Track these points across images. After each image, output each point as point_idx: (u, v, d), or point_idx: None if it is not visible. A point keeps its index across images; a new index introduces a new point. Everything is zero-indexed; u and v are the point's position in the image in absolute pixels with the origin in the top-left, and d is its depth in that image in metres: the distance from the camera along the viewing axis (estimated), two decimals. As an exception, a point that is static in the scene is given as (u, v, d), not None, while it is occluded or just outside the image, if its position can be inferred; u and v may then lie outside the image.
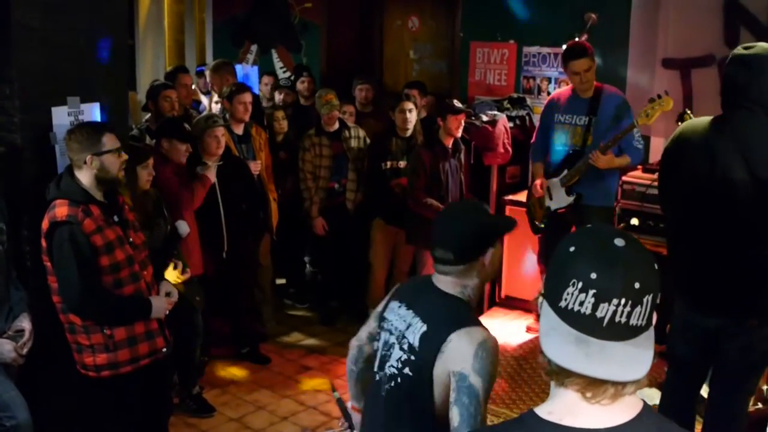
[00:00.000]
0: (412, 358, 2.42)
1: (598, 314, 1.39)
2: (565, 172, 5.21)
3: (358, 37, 8.62)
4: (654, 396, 4.89)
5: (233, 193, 5.39)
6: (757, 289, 3.32)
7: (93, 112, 4.04)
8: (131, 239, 3.67)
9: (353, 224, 6.22)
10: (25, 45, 3.77)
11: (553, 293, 1.45)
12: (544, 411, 1.48)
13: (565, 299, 1.42)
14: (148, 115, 6.23)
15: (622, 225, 5.53)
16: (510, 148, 6.38)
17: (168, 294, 3.88)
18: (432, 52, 8.13)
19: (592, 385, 1.42)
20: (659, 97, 4.77)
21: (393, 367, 2.50)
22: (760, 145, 3.24)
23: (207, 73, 6.96)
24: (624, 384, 1.42)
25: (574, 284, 1.41)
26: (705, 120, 3.44)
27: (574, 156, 5.19)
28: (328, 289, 6.71)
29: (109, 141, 3.56)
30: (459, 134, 5.66)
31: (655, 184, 5.20)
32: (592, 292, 1.39)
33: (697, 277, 3.44)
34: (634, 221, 5.45)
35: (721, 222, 3.30)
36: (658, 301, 1.45)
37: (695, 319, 3.53)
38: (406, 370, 2.44)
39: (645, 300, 1.41)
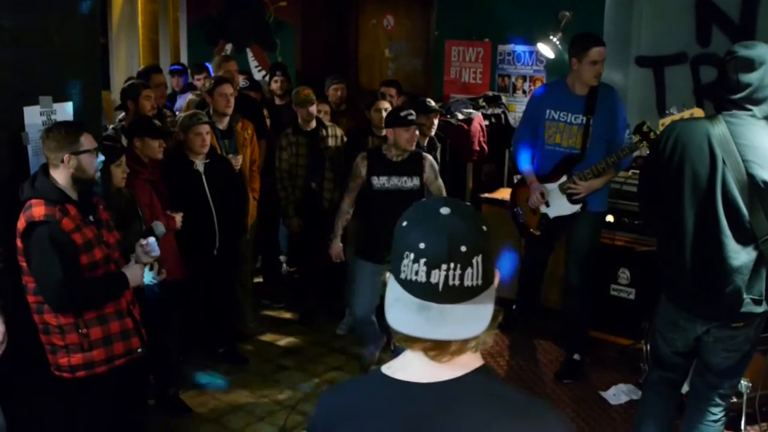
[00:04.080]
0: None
1: (432, 281, 1.48)
2: (564, 178, 4.96)
3: (333, 36, 8.62)
4: (631, 392, 4.94)
5: (222, 191, 5.37)
6: (746, 292, 3.35)
7: (65, 112, 4.00)
8: (105, 239, 3.65)
9: (330, 223, 6.21)
10: (-4, 44, 3.73)
11: (395, 267, 1.54)
12: (386, 367, 1.61)
13: (404, 271, 1.50)
14: (122, 114, 6.18)
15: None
16: (486, 146, 6.40)
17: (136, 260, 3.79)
18: (407, 51, 8.14)
19: (437, 346, 1.51)
20: (684, 106, 4.31)
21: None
22: (759, 147, 3.25)
23: (221, 64, 6.84)
24: (465, 341, 1.51)
25: (407, 256, 1.50)
26: (701, 121, 3.41)
27: (572, 159, 4.95)
28: (305, 288, 6.71)
29: (87, 141, 3.54)
30: (432, 133, 5.66)
31: (631, 181, 5.27)
32: (423, 261, 1.48)
33: (690, 280, 3.42)
34: (610, 218, 5.48)
35: (719, 224, 3.29)
36: (492, 259, 1.53)
37: (682, 321, 3.54)
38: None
39: (475, 261, 1.48)
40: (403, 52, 8.20)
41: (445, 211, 1.51)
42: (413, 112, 4.96)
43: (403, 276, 1.51)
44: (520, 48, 7.02)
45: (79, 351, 3.54)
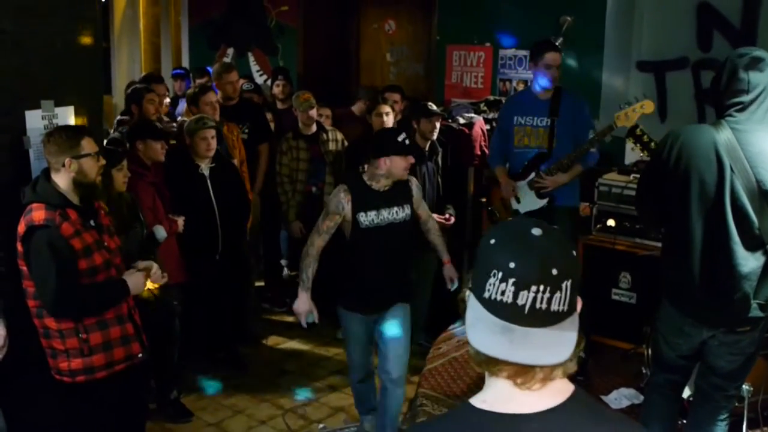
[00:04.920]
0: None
1: (519, 302, 1.43)
2: (533, 175, 5.20)
3: (334, 40, 8.62)
4: (633, 396, 4.93)
5: (226, 195, 5.38)
6: (753, 297, 3.35)
7: (67, 116, 4.01)
8: (106, 244, 3.65)
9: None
10: (-2, 48, 3.73)
11: (477, 285, 1.49)
12: (478, 400, 1.52)
13: (488, 290, 1.45)
14: (118, 117, 6.23)
15: (598, 226, 5.56)
16: (487, 151, 6.39)
17: (142, 268, 3.78)
18: (408, 55, 8.15)
19: (521, 372, 1.47)
20: (636, 99, 4.76)
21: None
22: (763, 151, 3.23)
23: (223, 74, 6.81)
24: (552, 368, 1.47)
25: (494, 275, 1.44)
26: (706, 128, 3.37)
27: (540, 158, 5.18)
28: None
29: (88, 145, 3.54)
30: (434, 137, 5.66)
31: (632, 185, 5.26)
32: (511, 281, 1.43)
33: (698, 288, 3.40)
34: (611, 222, 5.48)
35: (728, 232, 3.27)
36: (578, 285, 1.48)
37: (687, 327, 3.52)
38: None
39: (564, 286, 1.44)
40: (404, 57, 8.20)
41: (536, 231, 1.47)
42: (405, 134, 4.34)
43: (486, 295, 1.46)
44: (521, 52, 7.02)
45: (79, 356, 3.53)
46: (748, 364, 3.60)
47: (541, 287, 1.42)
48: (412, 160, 4.28)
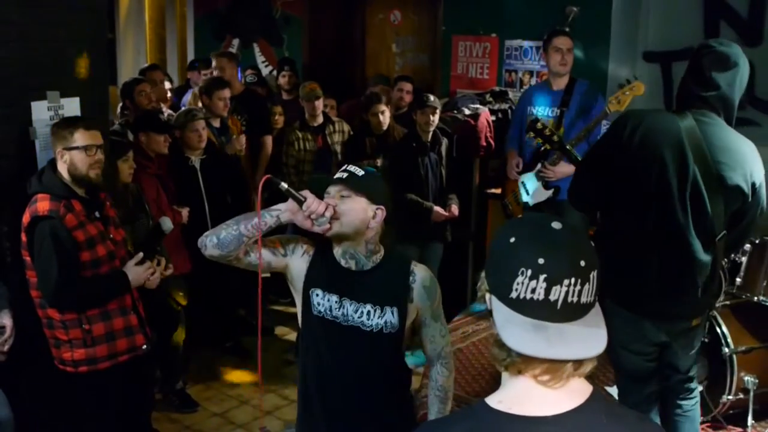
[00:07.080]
0: None
1: (552, 297, 1.42)
2: (539, 166, 5.19)
3: (340, 31, 8.62)
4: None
5: (217, 186, 5.37)
6: (705, 289, 3.31)
7: (73, 107, 4.01)
8: (111, 235, 3.65)
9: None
10: (4, 39, 3.73)
11: (501, 286, 1.47)
12: (494, 400, 1.50)
13: (516, 289, 1.44)
14: (120, 106, 6.27)
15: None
16: (492, 142, 6.39)
17: (142, 262, 3.69)
18: (414, 46, 8.13)
19: (551, 369, 1.45)
20: (629, 82, 4.79)
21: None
22: (730, 149, 3.19)
23: (213, 59, 6.83)
24: (581, 362, 1.46)
25: (523, 273, 1.43)
26: (671, 117, 3.25)
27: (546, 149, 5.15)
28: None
29: (81, 137, 3.49)
30: (430, 129, 5.59)
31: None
32: (542, 277, 1.42)
33: (655, 281, 3.30)
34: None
35: (688, 225, 3.19)
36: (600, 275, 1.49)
37: (645, 330, 3.41)
38: None
39: (591, 276, 1.45)
40: (410, 47, 8.19)
41: (556, 225, 1.47)
42: (347, 172, 2.58)
43: (514, 295, 1.44)
44: (527, 43, 7.00)
45: (82, 346, 3.54)
46: (699, 350, 3.63)
47: (573, 280, 1.42)
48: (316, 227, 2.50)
